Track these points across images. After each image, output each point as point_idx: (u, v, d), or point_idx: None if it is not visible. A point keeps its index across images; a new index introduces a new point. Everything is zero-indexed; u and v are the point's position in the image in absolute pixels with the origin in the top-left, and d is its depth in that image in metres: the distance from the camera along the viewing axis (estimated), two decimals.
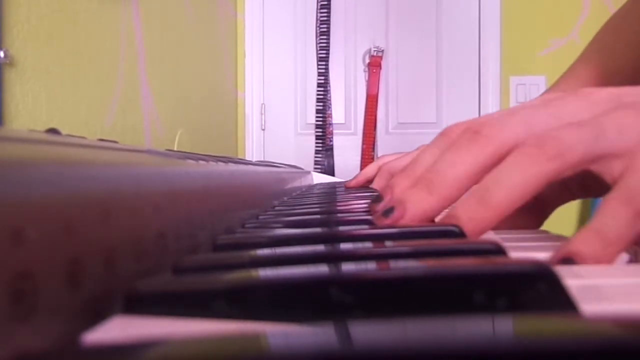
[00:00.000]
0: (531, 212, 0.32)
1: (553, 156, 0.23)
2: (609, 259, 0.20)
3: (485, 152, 0.26)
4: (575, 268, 0.19)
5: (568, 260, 0.20)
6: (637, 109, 0.24)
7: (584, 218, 2.00)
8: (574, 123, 0.24)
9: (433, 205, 0.26)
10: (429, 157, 0.29)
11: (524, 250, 0.23)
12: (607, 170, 0.23)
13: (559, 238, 0.27)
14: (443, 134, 0.31)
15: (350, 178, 0.77)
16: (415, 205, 0.27)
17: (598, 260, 0.20)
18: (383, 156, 0.75)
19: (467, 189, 0.26)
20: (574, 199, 0.33)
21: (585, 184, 0.31)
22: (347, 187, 0.75)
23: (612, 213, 0.21)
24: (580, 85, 0.64)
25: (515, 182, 0.24)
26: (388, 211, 0.27)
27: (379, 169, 0.70)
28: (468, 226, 0.24)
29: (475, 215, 0.24)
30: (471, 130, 0.27)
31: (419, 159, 0.30)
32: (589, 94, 0.26)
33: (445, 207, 0.27)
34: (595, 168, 0.24)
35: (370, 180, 0.71)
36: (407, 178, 0.29)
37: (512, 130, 0.26)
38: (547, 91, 0.69)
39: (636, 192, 0.21)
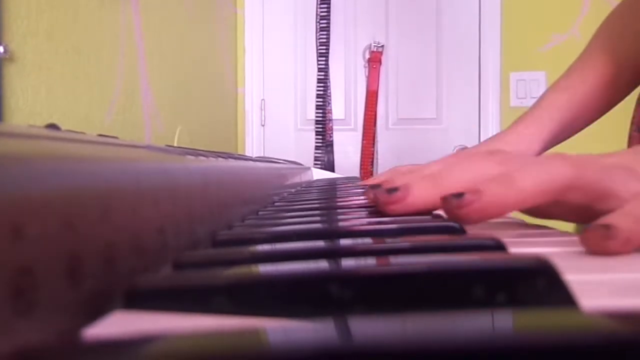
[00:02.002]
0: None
1: (574, 165, 0.25)
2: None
3: (496, 170, 0.26)
4: (575, 263, 0.19)
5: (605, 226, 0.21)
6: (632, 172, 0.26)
7: None
8: (594, 162, 0.26)
9: (435, 196, 0.27)
10: (439, 164, 0.30)
11: (523, 245, 0.23)
12: (607, 207, 0.24)
13: (559, 233, 0.27)
14: (457, 154, 0.33)
15: (350, 174, 0.77)
16: (418, 191, 0.27)
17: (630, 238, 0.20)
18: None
19: None
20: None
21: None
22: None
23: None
24: (592, 74, 0.63)
25: (538, 174, 0.25)
26: (392, 190, 0.27)
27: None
28: (488, 199, 0.24)
29: (496, 191, 0.24)
30: (487, 152, 0.28)
31: (428, 165, 0.31)
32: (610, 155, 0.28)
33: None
34: (600, 206, 0.25)
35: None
36: (412, 175, 0.30)
37: (527, 162, 0.27)
38: (557, 82, 0.67)
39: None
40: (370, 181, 0.74)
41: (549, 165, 0.25)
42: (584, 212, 0.27)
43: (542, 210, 0.28)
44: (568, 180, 0.25)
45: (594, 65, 0.64)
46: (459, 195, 0.25)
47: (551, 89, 0.66)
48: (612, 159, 0.27)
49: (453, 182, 0.27)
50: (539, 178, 0.25)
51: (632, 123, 0.64)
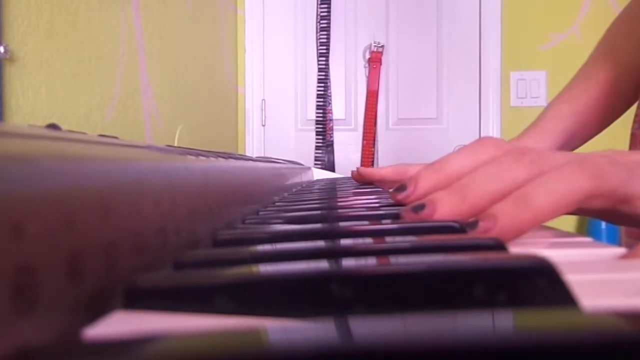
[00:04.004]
0: None
1: (593, 175, 0.24)
2: None
3: (525, 175, 0.26)
4: (575, 263, 0.19)
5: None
6: None
7: (583, 217, 2.00)
8: (610, 163, 0.26)
9: (462, 212, 0.26)
10: (461, 160, 0.29)
11: (524, 245, 0.23)
12: (633, 209, 0.25)
13: (559, 233, 0.27)
14: (480, 143, 0.31)
15: (350, 174, 0.76)
16: (445, 207, 0.26)
17: None
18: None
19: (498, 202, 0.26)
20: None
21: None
22: (359, 172, 0.74)
23: None
24: (594, 86, 0.64)
25: (555, 189, 0.24)
26: (418, 207, 0.27)
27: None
28: (505, 223, 0.24)
29: (513, 214, 0.24)
30: (518, 152, 0.27)
31: (450, 159, 0.30)
32: (627, 154, 0.28)
33: (472, 216, 0.27)
34: (625, 209, 0.25)
35: (381, 177, 0.71)
36: (434, 173, 0.29)
37: (558, 163, 0.26)
38: (561, 94, 0.67)
39: None
40: (370, 172, 0.74)
41: (566, 177, 0.24)
42: (608, 215, 0.27)
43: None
44: (586, 192, 0.24)
45: (597, 75, 0.64)
46: (473, 224, 0.24)
47: (555, 99, 0.67)
48: (633, 157, 0.27)
49: (480, 194, 0.26)
50: (555, 194, 0.24)
51: (635, 121, 0.64)
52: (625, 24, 0.65)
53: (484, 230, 0.24)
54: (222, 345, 0.09)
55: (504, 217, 0.24)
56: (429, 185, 0.29)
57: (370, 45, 2.17)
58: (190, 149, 0.33)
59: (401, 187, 0.31)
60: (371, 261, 0.16)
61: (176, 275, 0.17)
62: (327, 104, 2.17)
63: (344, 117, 2.21)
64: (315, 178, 1.13)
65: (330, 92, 2.18)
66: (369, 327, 0.10)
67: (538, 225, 0.25)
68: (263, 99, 2.22)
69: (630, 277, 0.16)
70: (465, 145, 0.31)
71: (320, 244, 0.20)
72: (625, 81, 0.63)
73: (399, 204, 0.31)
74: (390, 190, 0.31)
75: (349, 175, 0.78)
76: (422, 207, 0.27)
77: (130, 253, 0.15)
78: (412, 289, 0.13)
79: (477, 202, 0.26)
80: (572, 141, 0.64)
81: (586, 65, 0.67)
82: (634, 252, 0.20)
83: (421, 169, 0.31)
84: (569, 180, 0.24)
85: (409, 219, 0.27)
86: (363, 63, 2.20)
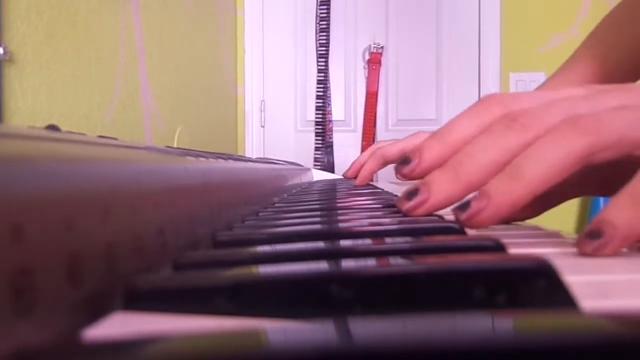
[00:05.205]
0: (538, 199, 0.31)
1: (588, 131, 0.23)
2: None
3: (519, 141, 0.25)
4: (575, 264, 0.19)
5: (595, 233, 0.19)
6: None
7: (583, 217, 2.00)
8: (615, 107, 0.24)
9: (458, 190, 0.26)
10: (464, 125, 0.28)
11: (523, 246, 0.23)
12: None
13: (559, 234, 0.27)
14: (482, 104, 0.29)
15: (351, 164, 0.77)
16: (440, 188, 0.26)
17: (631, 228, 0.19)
18: (378, 143, 0.75)
19: (495, 175, 0.25)
20: (586, 194, 0.32)
21: (606, 180, 0.30)
22: (345, 178, 0.75)
23: None
24: (578, 79, 0.64)
25: (548, 157, 0.23)
26: (412, 193, 0.27)
27: (372, 153, 0.70)
28: (498, 200, 0.23)
29: (506, 189, 0.23)
30: (509, 117, 0.26)
31: (453, 126, 0.29)
32: (635, 87, 0.26)
33: (469, 193, 0.26)
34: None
35: (361, 165, 0.71)
36: (438, 143, 0.28)
37: (551, 121, 0.25)
38: (544, 84, 0.68)
39: None
40: (352, 170, 0.74)
41: (558, 140, 0.23)
42: (628, 166, 0.24)
43: (566, 187, 0.26)
44: (583, 151, 0.23)
45: (581, 71, 0.64)
46: (466, 204, 0.24)
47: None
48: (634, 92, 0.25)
49: (475, 169, 0.25)
50: (549, 162, 0.23)
51: None
52: (616, 20, 0.65)
53: (478, 210, 0.23)
54: (221, 346, 0.09)
55: (497, 193, 0.23)
56: (433, 155, 0.28)
57: (370, 46, 2.17)
58: (189, 150, 0.33)
59: (405, 160, 0.29)
60: (371, 262, 0.16)
61: (176, 276, 0.17)
62: (327, 105, 2.17)
63: (343, 118, 2.21)
64: (314, 179, 1.13)
65: (329, 93, 2.18)
66: (368, 328, 0.10)
67: (536, 195, 0.24)
68: (262, 100, 2.22)
69: (631, 278, 0.16)
70: (468, 108, 0.30)
71: (320, 245, 0.20)
72: (613, 76, 0.63)
73: (404, 177, 0.30)
74: (395, 165, 0.30)
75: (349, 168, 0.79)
76: (415, 192, 0.27)
77: (130, 254, 0.15)
78: (412, 290, 0.13)
79: (472, 178, 0.25)
80: None
81: (572, 58, 0.66)
82: (597, 219, 0.20)
83: (424, 140, 0.30)
84: (562, 144, 0.23)
85: (404, 208, 0.27)
86: (362, 64, 2.20)
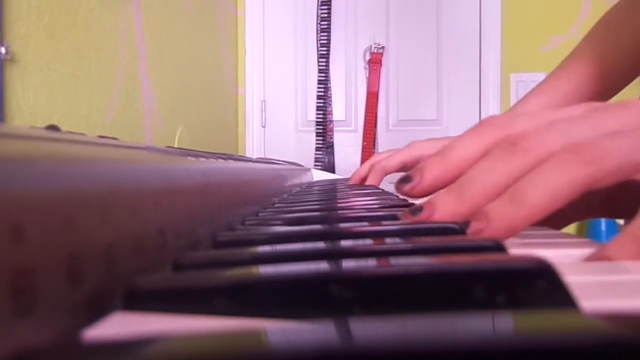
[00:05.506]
0: (543, 222, 0.31)
1: (589, 161, 0.23)
2: None
3: (520, 164, 0.25)
4: (575, 264, 0.19)
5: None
6: None
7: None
8: (613, 132, 0.24)
9: (461, 211, 0.26)
10: (465, 145, 0.28)
11: (523, 246, 0.23)
12: None
13: (559, 235, 0.27)
14: (482, 127, 0.30)
15: (351, 175, 0.77)
16: (444, 208, 0.26)
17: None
18: (375, 155, 0.75)
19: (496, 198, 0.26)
20: (592, 217, 0.33)
21: (611, 202, 0.30)
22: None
23: None
24: (577, 78, 0.64)
25: (550, 184, 0.23)
26: (417, 210, 0.27)
27: (372, 167, 0.71)
28: (497, 224, 0.23)
29: (506, 214, 0.23)
30: (509, 142, 0.26)
31: (454, 146, 0.29)
32: (634, 105, 0.26)
33: (472, 214, 0.27)
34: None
35: (365, 179, 0.72)
36: (439, 162, 0.29)
37: (551, 144, 0.25)
38: (538, 86, 0.68)
39: None
40: (352, 182, 0.74)
41: (560, 167, 0.23)
42: (630, 188, 0.24)
43: (571, 211, 0.26)
44: (584, 180, 0.23)
45: (579, 70, 0.64)
46: (466, 224, 0.24)
47: (529, 93, 0.67)
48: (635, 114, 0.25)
49: (478, 192, 0.26)
50: (550, 189, 0.23)
51: None
52: (613, 22, 0.65)
53: (477, 230, 0.24)
54: (221, 346, 0.09)
55: (497, 216, 0.23)
56: (435, 174, 0.29)
57: (371, 46, 2.17)
58: (190, 150, 0.33)
59: (407, 178, 0.30)
60: (371, 262, 0.16)
61: (176, 276, 0.17)
62: (327, 105, 2.17)
63: (344, 119, 2.21)
64: (315, 179, 1.13)
65: (330, 94, 2.18)
66: (368, 329, 0.10)
67: (535, 221, 0.24)
68: (263, 100, 2.22)
69: (631, 279, 0.16)
70: (469, 129, 0.30)
71: (320, 245, 0.20)
72: (609, 79, 0.63)
73: (405, 195, 0.30)
74: (395, 182, 0.31)
75: (349, 176, 0.79)
76: (420, 209, 0.27)
77: (130, 254, 0.15)
78: (412, 291, 0.13)
79: (476, 199, 0.26)
80: None
81: (568, 60, 0.67)
82: (597, 254, 0.20)
83: (426, 159, 0.30)
84: (562, 172, 0.23)
85: (408, 220, 0.27)
86: (363, 64, 2.20)
